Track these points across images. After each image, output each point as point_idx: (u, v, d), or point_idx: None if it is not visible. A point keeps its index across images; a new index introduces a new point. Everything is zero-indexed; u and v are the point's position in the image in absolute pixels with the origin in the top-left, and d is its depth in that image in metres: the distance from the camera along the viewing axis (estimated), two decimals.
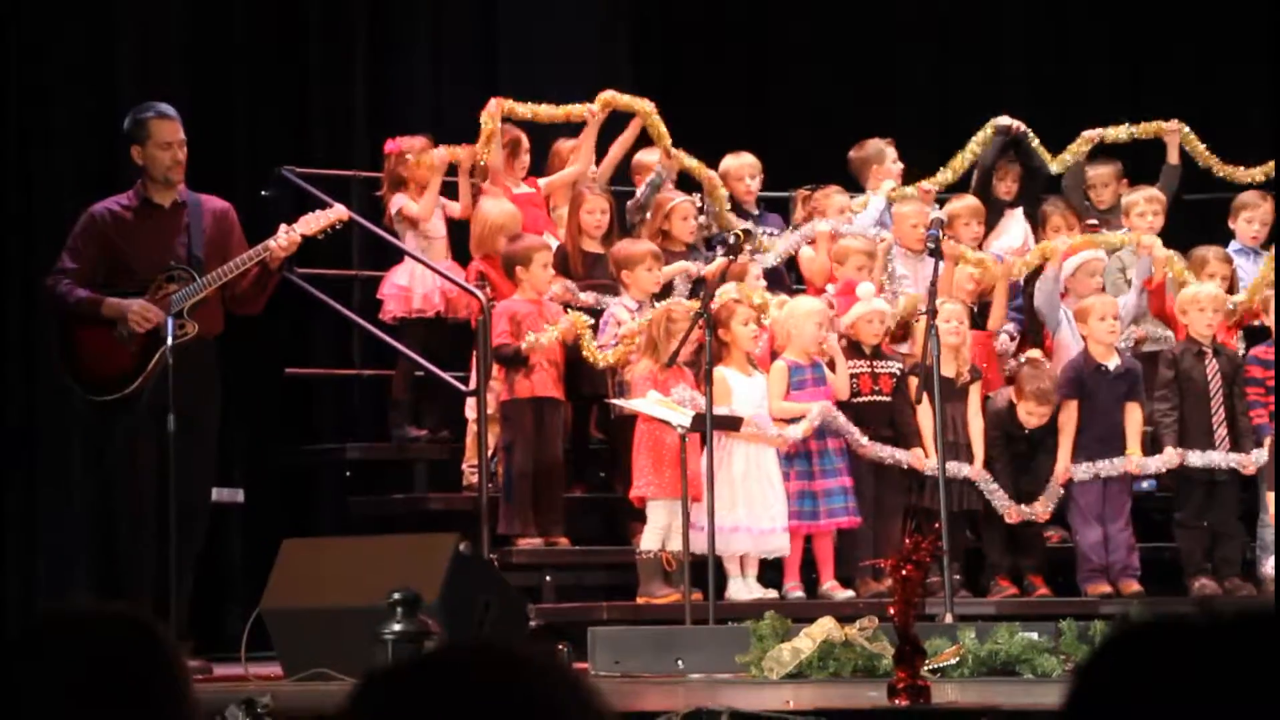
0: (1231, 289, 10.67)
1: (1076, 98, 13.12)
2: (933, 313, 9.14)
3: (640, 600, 9.67)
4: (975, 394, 10.20)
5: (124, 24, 10.67)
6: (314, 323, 11.06)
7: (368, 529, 10.02)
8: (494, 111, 10.62)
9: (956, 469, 9.95)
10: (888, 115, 12.42)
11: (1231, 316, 10.62)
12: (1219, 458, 10.16)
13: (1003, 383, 10.52)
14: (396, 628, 6.67)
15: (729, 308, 9.79)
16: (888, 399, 10.09)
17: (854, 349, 10.14)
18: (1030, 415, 10.17)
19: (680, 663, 7.98)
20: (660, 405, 9.22)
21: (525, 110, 10.70)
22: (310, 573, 8.01)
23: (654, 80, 11.85)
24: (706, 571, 8.82)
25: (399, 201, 10.45)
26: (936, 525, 8.73)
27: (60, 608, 2.27)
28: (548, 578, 9.86)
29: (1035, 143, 11.36)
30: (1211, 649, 1.85)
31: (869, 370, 10.10)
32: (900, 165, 11.32)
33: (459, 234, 10.61)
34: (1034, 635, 7.61)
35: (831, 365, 10.03)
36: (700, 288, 10.06)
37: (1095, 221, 11.04)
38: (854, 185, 11.30)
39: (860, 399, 10.06)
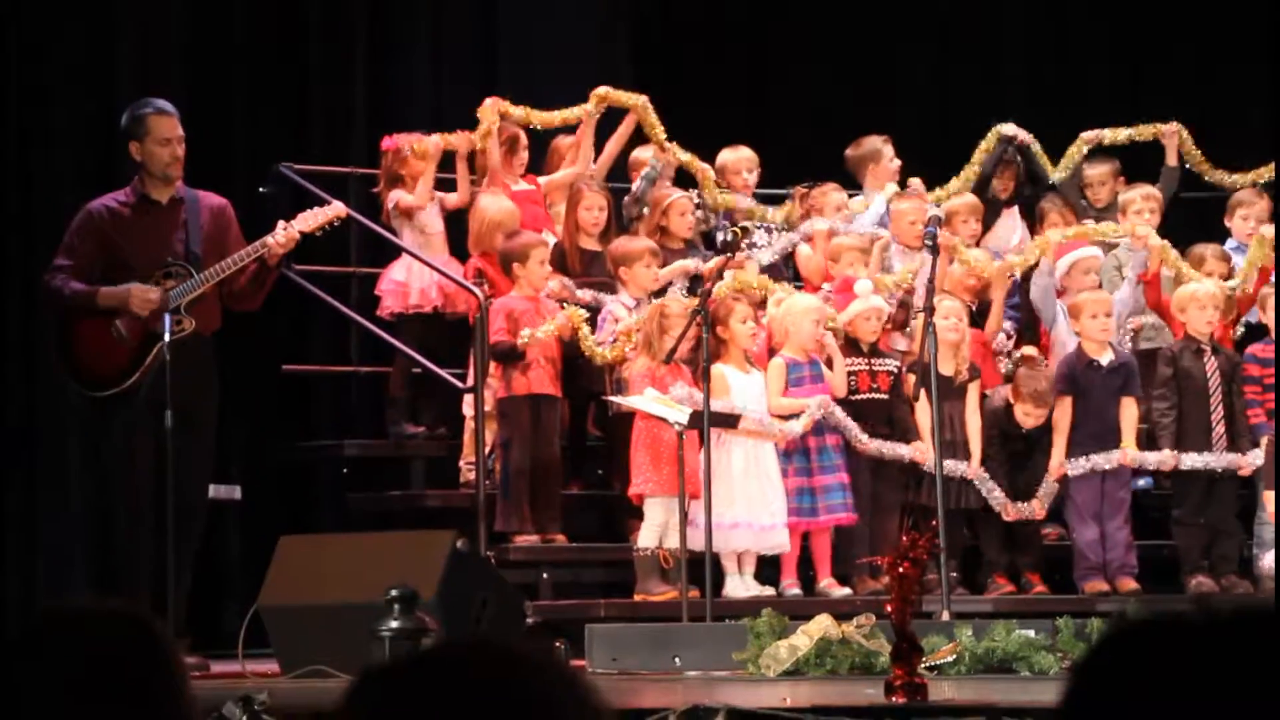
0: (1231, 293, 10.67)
1: (1076, 98, 13.12)
2: (930, 310, 9.15)
3: (638, 597, 9.67)
4: (973, 392, 10.19)
5: (124, 24, 10.66)
6: (312, 319, 11.06)
7: (365, 526, 10.02)
8: (490, 109, 10.61)
9: (954, 467, 9.95)
10: (887, 115, 12.41)
11: (1229, 312, 10.61)
12: (1214, 459, 10.16)
13: (999, 380, 10.51)
14: (394, 624, 6.67)
15: (727, 305, 9.79)
16: (885, 396, 10.09)
17: (852, 346, 10.14)
18: (1027, 416, 10.17)
19: (677, 660, 7.98)
20: (658, 402, 9.22)
21: (520, 114, 10.70)
22: (308, 569, 8.01)
23: (654, 80, 11.84)
24: (704, 569, 8.82)
25: (395, 196, 10.45)
26: (933, 523, 8.73)
27: (59, 605, 2.27)
28: (545, 575, 9.85)
29: (1037, 148, 11.36)
30: (1208, 647, 1.85)
31: (867, 368, 10.10)
32: (898, 163, 11.31)
33: (457, 230, 10.61)
34: (1031, 633, 7.62)
35: (829, 363, 10.03)
36: (699, 285, 10.06)
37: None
38: (852, 183, 11.30)
39: (858, 396, 10.05)
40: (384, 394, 10.75)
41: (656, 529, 9.66)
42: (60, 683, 2.17)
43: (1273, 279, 10.52)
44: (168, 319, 8.38)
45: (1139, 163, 11.66)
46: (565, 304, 10.09)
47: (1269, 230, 10.76)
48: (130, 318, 8.60)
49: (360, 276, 10.88)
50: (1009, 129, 11.30)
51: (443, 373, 10.20)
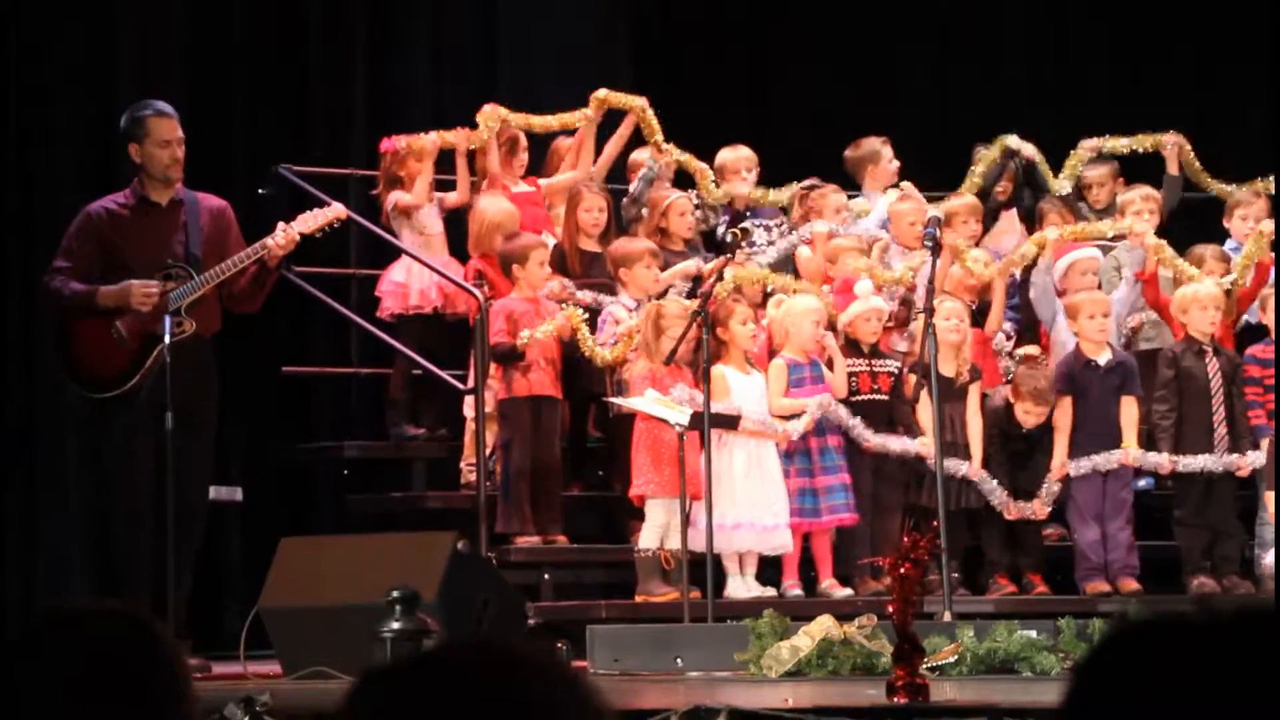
0: (1229, 288, 10.66)
1: (1076, 98, 13.13)
2: (930, 311, 9.15)
3: (639, 598, 9.67)
4: (974, 394, 10.19)
5: (124, 24, 10.67)
6: (312, 321, 11.06)
7: (366, 527, 10.02)
8: (490, 116, 10.60)
9: (955, 466, 9.95)
10: (888, 115, 12.41)
11: (1230, 312, 10.60)
12: (1213, 461, 10.16)
13: (1000, 380, 10.51)
14: (395, 626, 6.67)
15: (727, 307, 9.79)
16: (886, 397, 10.09)
17: (852, 347, 10.14)
18: (1028, 415, 10.17)
19: (679, 661, 7.98)
20: (658, 404, 9.22)
21: (520, 120, 10.69)
22: (309, 571, 8.01)
23: (654, 80, 11.85)
24: (705, 569, 8.82)
25: (394, 197, 10.45)
26: (935, 523, 8.73)
27: (59, 606, 2.27)
28: (546, 576, 9.85)
29: (1041, 161, 11.34)
30: (1210, 647, 1.85)
31: (867, 369, 10.10)
32: (896, 164, 11.32)
33: (457, 231, 10.61)
34: (1033, 633, 7.62)
35: (830, 364, 10.03)
36: (699, 286, 10.06)
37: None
38: (852, 184, 11.30)
39: (858, 397, 10.05)
40: (384, 395, 10.75)
41: (657, 530, 9.66)
42: (60, 684, 2.17)
43: (1272, 279, 10.52)
44: (168, 321, 8.38)
45: (1138, 164, 11.66)
46: (565, 305, 10.09)
47: (1268, 225, 10.76)
48: (131, 317, 8.60)
49: (360, 278, 10.88)
50: (1014, 142, 11.27)
51: (443, 374, 10.20)
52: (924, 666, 6.34)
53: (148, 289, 8.55)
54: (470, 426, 10.13)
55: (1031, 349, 10.61)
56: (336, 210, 8.98)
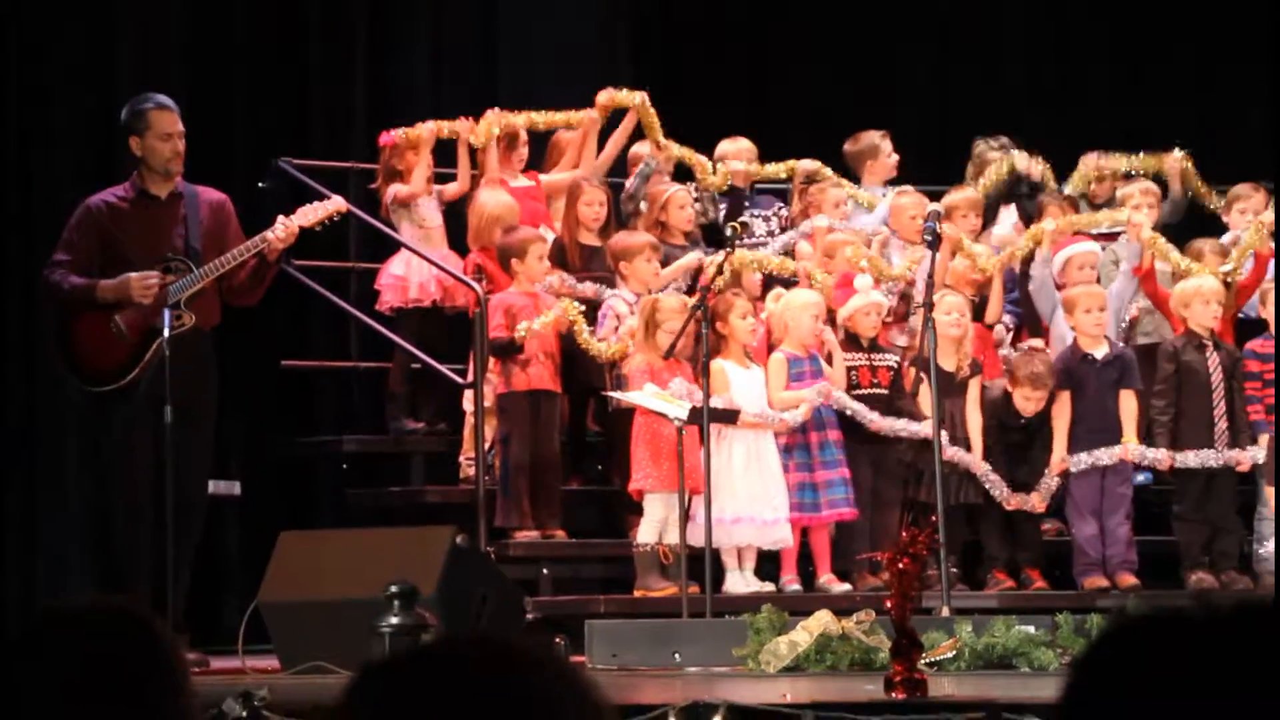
0: (1229, 280, 10.66)
1: (1076, 97, 13.13)
2: (929, 305, 9.15)
3: (637, 593, 9.67)
4: (974, 388, 10.19)
5: (124, 24, 10.66)
6: (311, 315, 11.06)
7: (365, 521, 10.03)
8: (492, 122, 10.57)
9: (959, 455, 9.94)
10: (888, 115, 12.40)
11: (1230, 306, 10.60)
12: (1212, 456, 10.16)
13: (1001, 374, 10.51)
14: (394, 620, 6.67)
15: (726, 301, 9.79)
16: (885, 391, 10.09)
17: (851, 341, 10.14)
18: (1027, 401, 10.16)
19: (677, 656, 7.98)
20: (657, 398, 9.22)
21: (523, 119, 10.68)
22: (308, 565, 8.01)
23: (654, 80, 11.84)
24: (704, 564, 8.82)
25: (393, 190, 10.45)
26: (933, 518, 8.73)
27: (58, 603, 2.27)
28: (545, 570, 9.86)
29: (1050, 180, 11.32)
30: (1208, 643, 1.85)
31: (867, 362, 10.10)
32: (895, 158, 11.32)
33: (456, 224, 10.61)
34: (1031, 628, 7.62)
35: (829, 359, 10.03)
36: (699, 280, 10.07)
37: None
38: (851, 179, 11.29)
39: (858, 391, 10.05)
40: (383, 389, 10.75)
41: (656, 525, 9.66)
42: (59, 681, 2.17)
43: (1271, 272, 10.52)
44: (167, 314, 8.38)
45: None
46: (561, 298, 10.09)
47: (1268, 216, 10.77)
48: (131, 311, 8.60)
49: (359, 271, 10.88)
50: (1022, 163, 11.20)
51: (442, 368, 10.20)
52: (922, 662, 6.34)
53: (146, 281, 8.55)
54: (469, 421, 10.13)
55: (1036, 343, 10.59)
56: (336, 204, 8.98)
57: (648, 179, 10.80)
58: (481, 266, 10.25)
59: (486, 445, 9.87)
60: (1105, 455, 10.09)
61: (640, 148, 11.01)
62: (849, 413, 9.92)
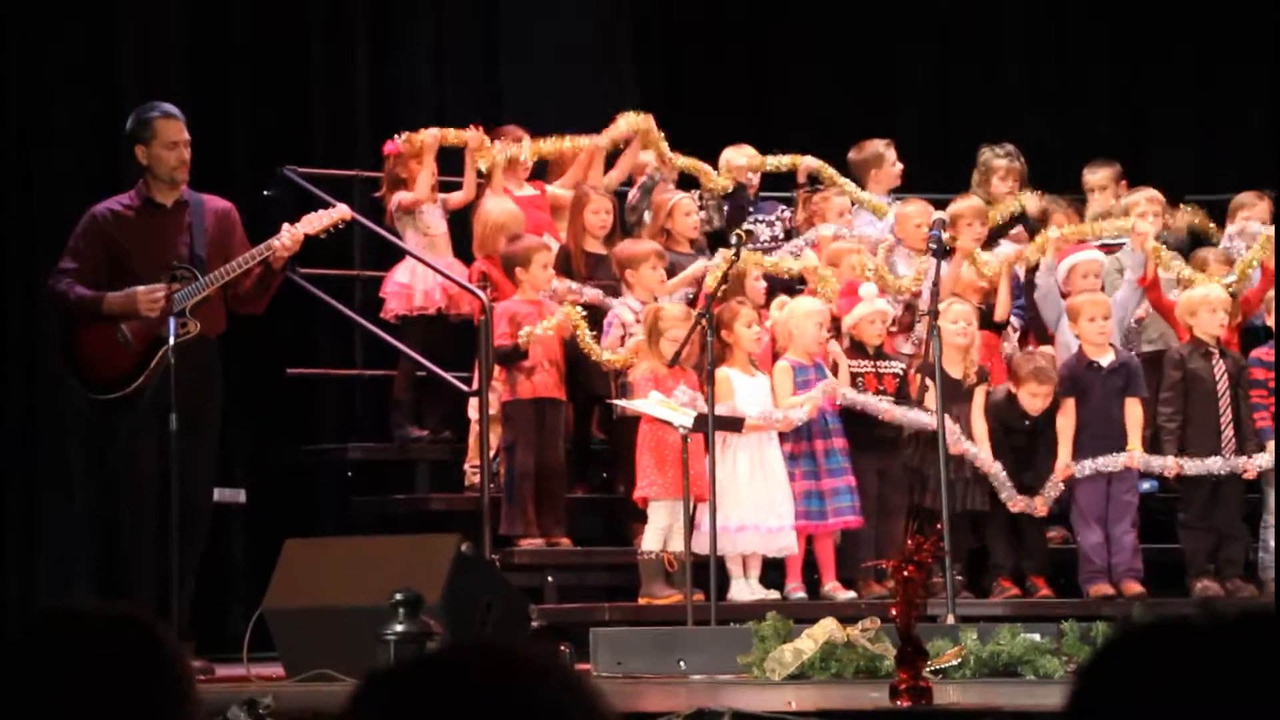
0: (1234, 292, 10.66)
1: (1077, 97, 13.13)
2: (935, 313, 9.14)
3: (642, 601, 9.67)
4: (979, 396, 10.20)
5: (124, 24, 10.67)
6: (316, 323, 11.07)
7: (370, 529, 10.03)
8: (502, 149, 10.56)
9: (968, 449, 9.93)
10: (888, 116, 12.42)
11: (1235, 315, 10.60)
12: (1219, 464, 10.16)
13: (1007, 379, 10.50)
14: (398, 628, 6.67)
15: (731, 309, 9.79)
16: (892, 399, 10.09)
17: (857, 349, 10.14)
18: (1033, 398, 10.15)
19: (682, 664, 7.98)
20: (662, 406, 9.22)
21: (529, 151, 10.63)
22: (312, 573, 8.01)
23: (654, 80, 11.84)
24: (709, 572, 8.82)
25: (397, 198, 10.45)
26: (939, 526, 8.72)
27: (60, 607, 2.27)
28: (549, 578, 9.86)
29: (1058, 210, 11.30)
30: (1213, 651, 1.85)
31: (873, 370, 10.10)
32: (899, 166, 11.33)
33: (461, 232, 10.61)
34: (1036, 636, 7.61)
35: (834, 369, 10.03)
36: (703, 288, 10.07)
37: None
38: (853, 181, 11.31)
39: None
40: (388, 397, 10.75)
41: (660, 532, 9.66)
42: (61, 686, 2.17)
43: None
44: (172, 322, 8.39)
45: (1140, 165, 11.66)
46: (564, 304, 10.08)
47: (1269, 230, 10.76)
48: (138, 321, 8.61)
49: (364, 279, 10.89)
50: (1033, 206, 11.13)
51: (447, 376, 10.20)
52: (927, 669, 6.33)
53: (153, 295, 8.55)
54: (474, 428, 10.13)
55: (1047, 349, 10.58)
56: (341, 211, 8.99)
57: (650, 191, 10.81)
58: (486, 274, 10.25)
59: (491, 453, 9.88)
60: (1110, 462, 10.09)
61: (646, 154, 11.00)
62: (858, 407, 9.90)
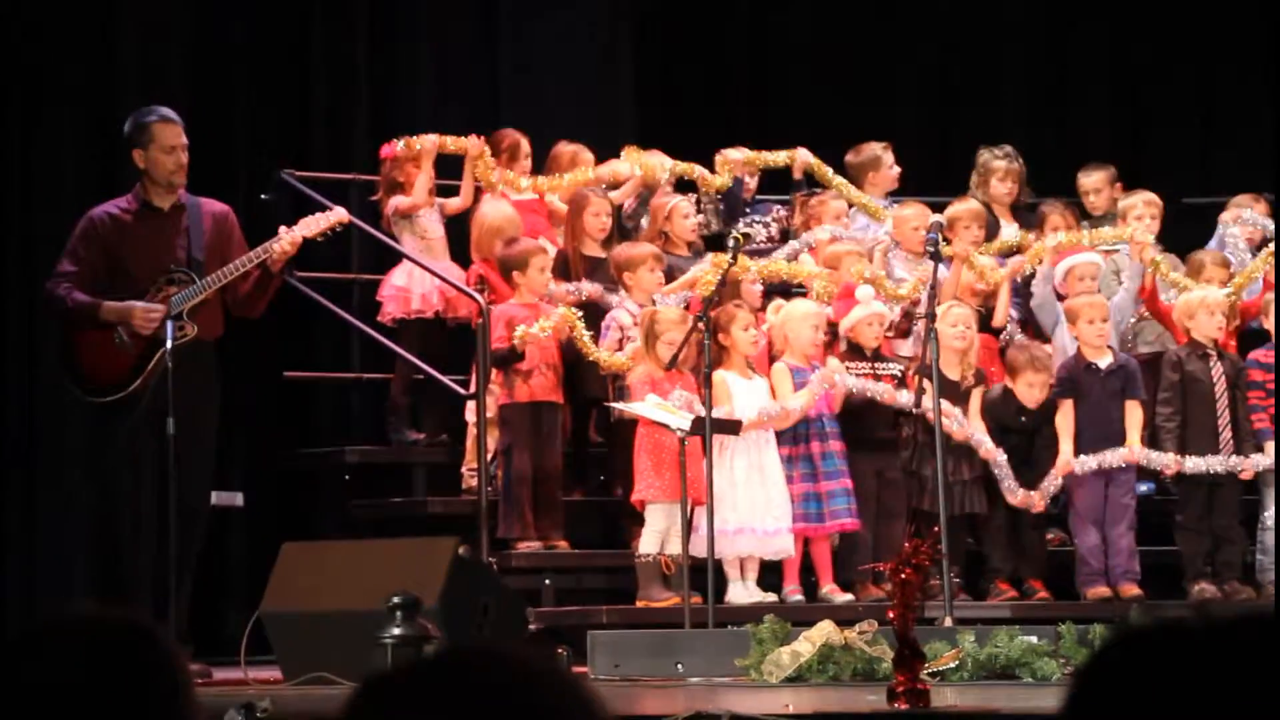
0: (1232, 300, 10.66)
1: (1077, 97, 13.14)
2: (932, 316, 9.15)
3: (640, 604, 9.67)
4: (977, 398, 10.20)
5: (123, 28, 10.67)
6: (313, 326, 11.07)
7: (367, 532, 10.03)
8: (504, 178, 10.57)
9: (972, 437, 9.93)
10: (887, 117, 12.42)
11: (1233, 318, 10.60)
12: (1218, 463, 10.16)
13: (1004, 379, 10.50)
14: (396, 631, 6.66)
15: (728, 312, 9.79)
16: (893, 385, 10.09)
17: (854, 351, 10.14)
18: (1031, 388, 10.15)
19: (680, 666, 7.98)
20: (659, 409, 9.22)
21: (527, 183, 10.64)
22: (310, 576, 8.01)
23: (653, 80, 11.82)
24: (706, 575, 8.82)
25: (394, 202, 10.44)
26: (936, 529, 8.73)
27: (60, 612, 2.27)
28: (547, 581, 9.85)
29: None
30: (1210, 654, 1.85)
31: (870, 372, 10.10)
32: (897, 170, 11.33)
33: (458, 235, 10.61)
34: (1033, 639, 7.61)
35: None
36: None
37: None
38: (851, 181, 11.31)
39: (862, 400, 10.05)
40: (386, 400, 10.75)
41: (657, 535, 9.66)
42: (59, 690, 2.17)
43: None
44: (170, 325, 8.39)
45: (1135, 168, 11.66)
46: (560, 305, 10.07)
47: (1266, 221, 10.78)
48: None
49: (362, 283, 10.89)
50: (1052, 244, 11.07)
51: (444, 379, 10.20)
52: (925, 672, 6.34)
53: (150, 314, 8.56)
54: (472, 431, 10.13)
55: (1047, 349, 10.59)
56: (338, 214, 8.99)
57: (646, 202, 10.83)
58: (484, 277, 10.24)
59: (489, 456, 9.87)
60: (1112, 456, 10.08)
61: (646, 159, 11.00)
62: (859, 391, 9.88)
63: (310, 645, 7.61)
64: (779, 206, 11.23)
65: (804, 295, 10.44)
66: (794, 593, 9.89)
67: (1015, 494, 10.08)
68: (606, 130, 11.07)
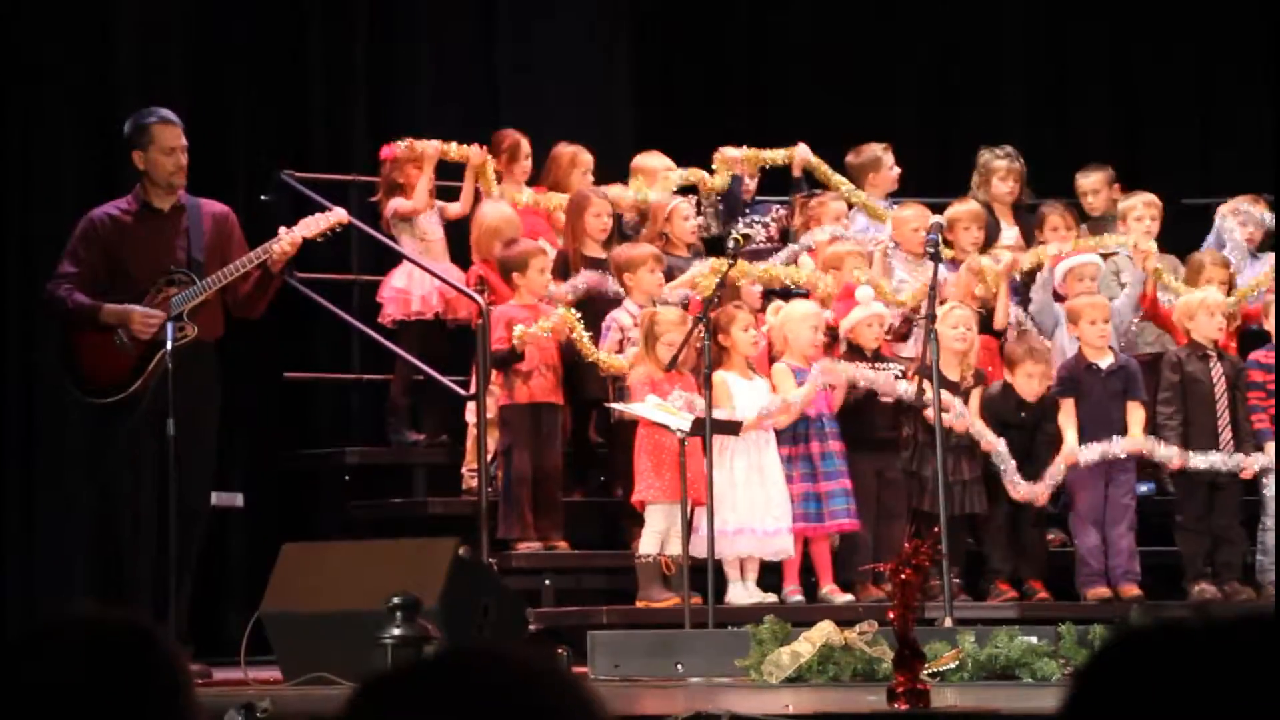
0: (1230, 292, 10.66)
1: (1077, 97, 13.14)
2: (932, 317, 9.15)
3: (640, 604, 9.67)
4: (976, 397, 10.20)
5: (123, 29, 10.67)
6: (313, 327, 11.07)
7: (367, 533, 10.03)
8: (507, 192, 10.58)
9: (975, 429, 9.93)
10: (886, 117, 12.42)
11: (1233, 319, 10.61)
12: (1221, 459, 10.16)
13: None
14: (396, 632, 6.66)
15: (728, 313, 9.80)
16: (889, 401, 10.09)
17: (855, 352, 10.14)
18: (1030, 379, 10.14)
19: (680, 667, 7.98)
20: (659, 409, 9.22)
21: (526, 196, 10.67)
22: (310, 577, 8.01)
23: (653, 80, 11.81)
24: (706, 575, 8.82)
25: (394, 205, 10.45)
26: (936, 529, 8.72)
27: (60, 613, 2.27)
28: (547, 582, 9.86)
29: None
30: (1209, 654, 1.85)
31: (870, 372, 10.09)
32: (897, 170, 11.33)
33: (458, 236, 10.61)
34: (1033, 639, 7.61)
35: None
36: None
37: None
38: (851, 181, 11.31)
39: (862, 396, 10.05)
40: (386, 401, 10.75)
41: (657, 535, 9.66)
42: (59, 690, 2.17)
43: (1271, 283, 10.52)
44: (170, 326, 8.40)
45: (1134, 169, 11.66)
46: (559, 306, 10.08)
47: (1266, 214, 10.79)
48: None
49: (362, 284, 10.89)
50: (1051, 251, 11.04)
51: (444, 380, 10.20)
52: (925, 672, 6.34)
53: (149, 319, 8.56)
54: (472, 432, 10.13)
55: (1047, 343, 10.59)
56: (338, 215, 8.99)
57: (645, 215, 10.84)
58: (484, 278, 10.24)
59: (489, 456, 9.87)
60: (1117, 445, 10.06)
61: (646, 161, 11.01)
62: (859, 381, 9.88)
63: (310, 646, 7.61)
64: (779, 207, 11.23)
65: (803, 296, 10.44)
66: (794, 593, 9.89)
67: (1018, 487, 10.07)
68: (606, 130, 11.07)
